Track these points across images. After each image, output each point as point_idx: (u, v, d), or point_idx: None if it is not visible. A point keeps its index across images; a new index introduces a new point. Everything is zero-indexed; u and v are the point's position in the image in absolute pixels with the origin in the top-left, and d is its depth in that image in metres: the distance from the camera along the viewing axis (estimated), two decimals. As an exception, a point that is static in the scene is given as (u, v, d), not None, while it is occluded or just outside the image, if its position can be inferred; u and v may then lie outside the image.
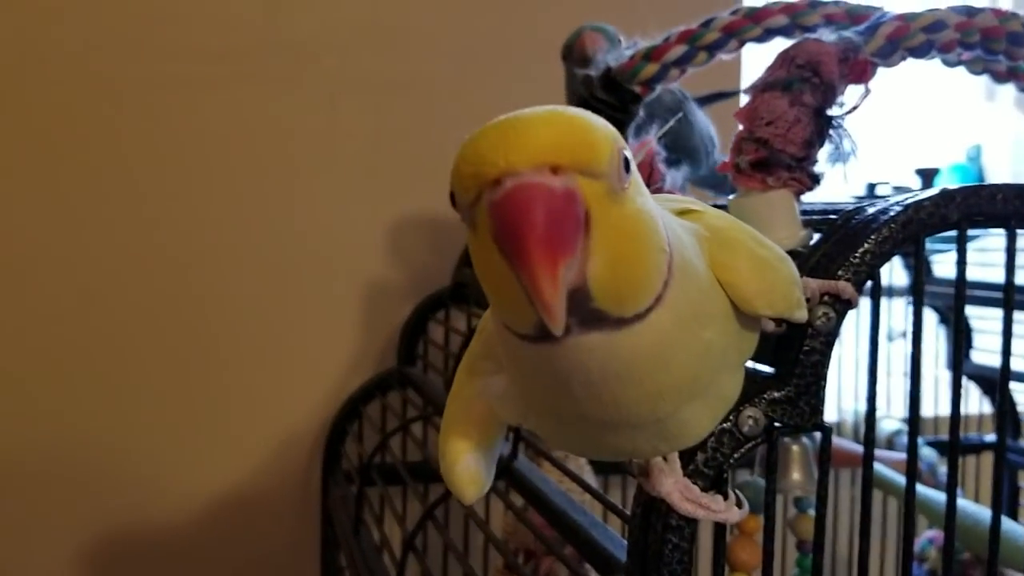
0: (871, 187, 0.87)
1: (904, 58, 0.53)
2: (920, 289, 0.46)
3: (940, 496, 0.77)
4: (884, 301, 1.16)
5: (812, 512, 0.76)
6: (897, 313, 1.14)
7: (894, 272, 1.13)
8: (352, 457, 0.98)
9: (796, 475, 0.67)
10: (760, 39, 0.65)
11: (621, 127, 0.65)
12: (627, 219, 0.29)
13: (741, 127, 0.51)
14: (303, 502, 1.03)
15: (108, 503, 0.98)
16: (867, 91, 0.51)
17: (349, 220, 1.05)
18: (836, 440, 1.03)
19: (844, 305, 0.43)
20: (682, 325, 0.32)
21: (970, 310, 1.08)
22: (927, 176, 0.86)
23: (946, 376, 1.20)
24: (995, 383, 1.11)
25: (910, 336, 0.47)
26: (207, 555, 1.02)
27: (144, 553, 1.00)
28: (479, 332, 0.40)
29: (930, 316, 1.15)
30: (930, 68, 0.60)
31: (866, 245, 0.43)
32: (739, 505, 0.42)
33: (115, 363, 0.98)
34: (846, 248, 0.44)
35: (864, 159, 0.64)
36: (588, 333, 0.29)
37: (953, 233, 0.45)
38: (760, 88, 0.51)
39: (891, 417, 1.17)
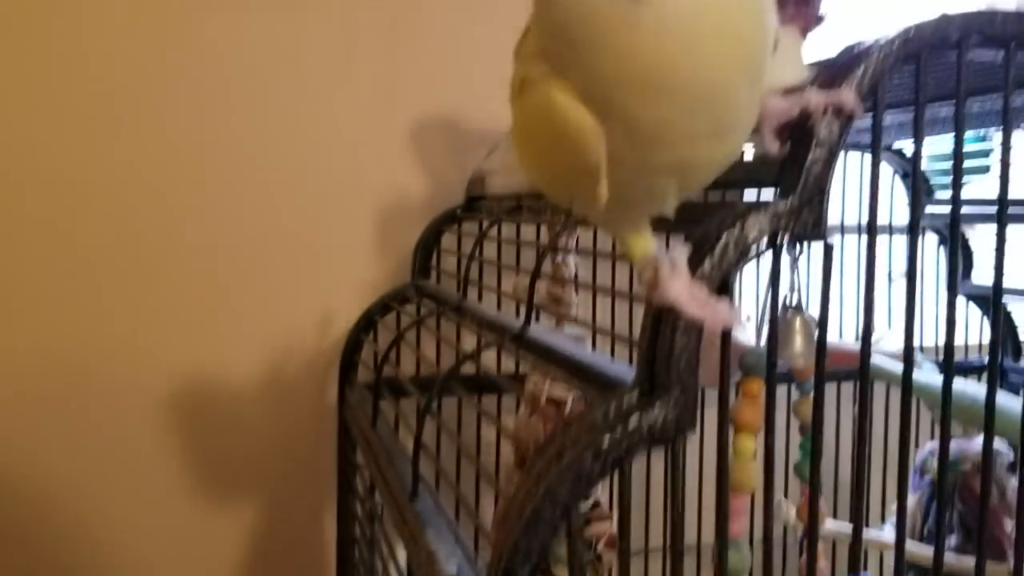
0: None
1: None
2: (920, 103, 0.47)
3: (937, 380, 0.78)
4: (884, 238, 1.18)
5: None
6: (897, 252, 1.15)
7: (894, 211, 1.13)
8: (369, 366, 1.00)
9: (799, 345, 0.68)
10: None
11: None
12: None
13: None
14: (320, 412, 1.06)
15: (125, 404, 1.00)
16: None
17: (361, 141, 1.06)
18: (834, 340, 1.04)
19: (847, 117, 0.44)
20: None
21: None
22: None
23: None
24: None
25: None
26: (224, 464, 1.04)
27: (161, 453, 1.02)
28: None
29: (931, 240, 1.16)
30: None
31: (867, 61, 0.45)
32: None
33: (130, 279, 1.00)
34: (849, 66, 0.45)
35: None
36: None
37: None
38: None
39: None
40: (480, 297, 0.92)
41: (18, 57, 0.96)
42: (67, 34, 0.97)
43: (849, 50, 0.47)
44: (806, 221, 0.45)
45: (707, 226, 0.44)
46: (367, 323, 1.01)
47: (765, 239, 0.44)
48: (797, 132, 0.45)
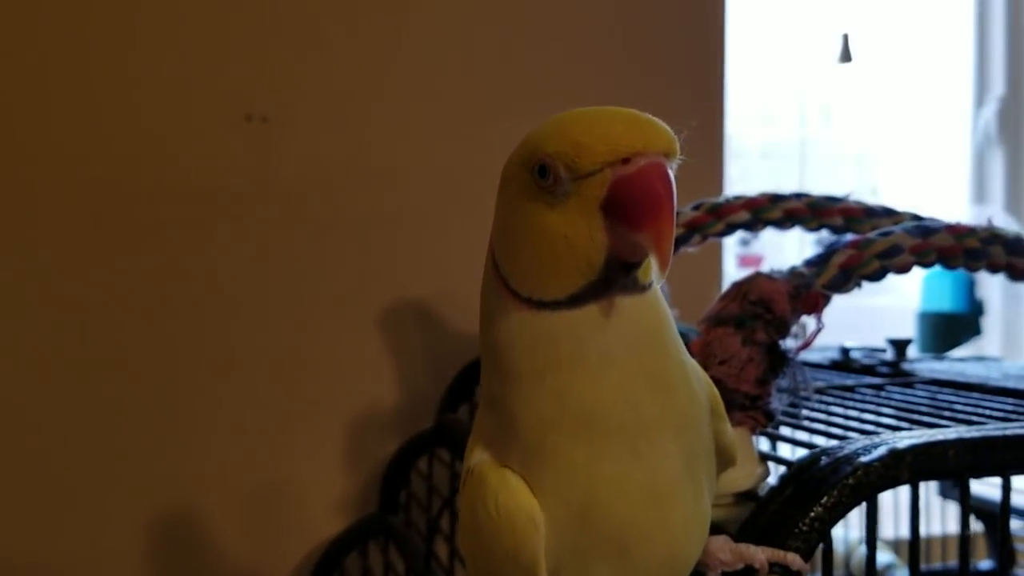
0: (845, 351, 0.87)
1: (859, 285, 0.53)
2: (873, 540, 0.46)
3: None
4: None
5: None
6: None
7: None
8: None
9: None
10: (723, 234, 0.65)
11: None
12: None
13: (695, 361, 0.51)
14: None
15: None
16: (820, 324, 0.51)
17: (337, 353, 1.05)
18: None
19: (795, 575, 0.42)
20: (663, 310, 0.37)
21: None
22: (899, 347, 0.86)
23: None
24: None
25: None
26: None
27: None
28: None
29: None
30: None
31: (815, 511, 0.43)
32: None
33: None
34: (796, 511, 0.43)
35: (836, 324, 0.63)
36: (622, 296, 0.35)
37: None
38: (713, 322, 0.51)
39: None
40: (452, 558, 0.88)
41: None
42: (49, 263, 0.96)
43: (798, 477, 0.45)
44: None
45: None
46: (331, 562, 0.98)
47: None
48: (744, 581, 0.43)
